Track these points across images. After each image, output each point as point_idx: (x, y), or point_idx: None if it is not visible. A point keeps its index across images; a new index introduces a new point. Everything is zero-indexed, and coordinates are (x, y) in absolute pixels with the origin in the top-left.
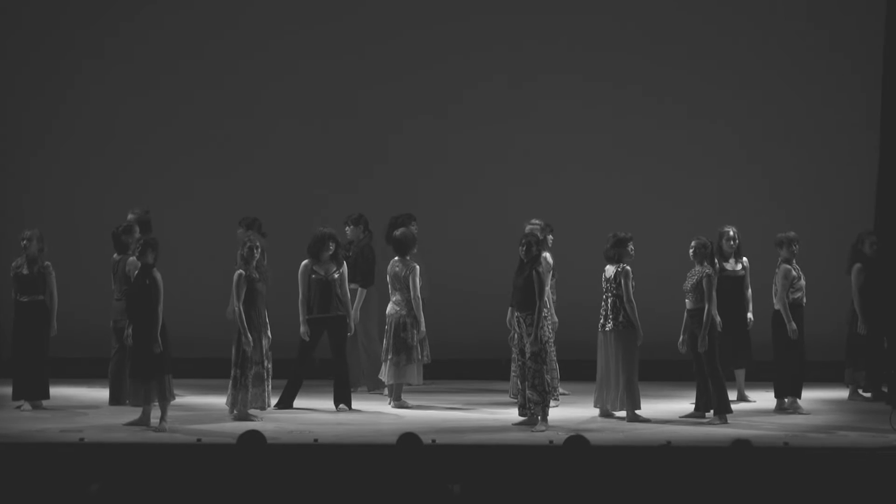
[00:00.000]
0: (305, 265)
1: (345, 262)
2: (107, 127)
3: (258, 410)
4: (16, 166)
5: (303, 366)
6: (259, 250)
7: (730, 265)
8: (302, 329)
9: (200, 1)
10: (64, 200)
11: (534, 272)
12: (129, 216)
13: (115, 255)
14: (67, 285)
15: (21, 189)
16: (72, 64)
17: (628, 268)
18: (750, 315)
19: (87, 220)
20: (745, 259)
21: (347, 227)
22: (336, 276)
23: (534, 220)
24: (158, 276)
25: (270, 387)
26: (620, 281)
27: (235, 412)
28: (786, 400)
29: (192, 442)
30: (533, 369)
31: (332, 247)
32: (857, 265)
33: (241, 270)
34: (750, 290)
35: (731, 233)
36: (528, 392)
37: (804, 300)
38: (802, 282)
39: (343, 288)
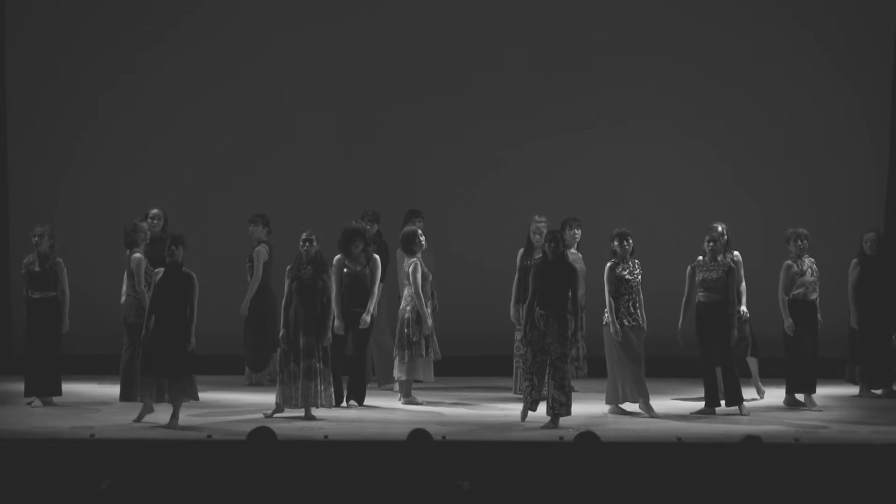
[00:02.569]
0: (338, 259)
1: (375, 257)
2: (117, 125)
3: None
4: (26, 164)
5: (337, 361)
6: (304, 244)
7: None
8: (336, 323)
9: (217, 6)
10: (75, 197)
11: (574, 271)
12: (154, 211)
13: (127, 252)
14: (79, 282)
15: (32, 186)
16: (82, 66)
17: (608, 264)
18: (744, 308)
19: (99, 216)
20: (736, 253)
21: (368, 226)
22: (367, 270)
23: (537, 218)
24: (192, 273)
25: (318, 385)
26: None
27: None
28: (796, 396)
29: (202, 438)
30: (563, 370)
31: (359, 244)
32: (854, 261)
33: (289, 266)
34: (744, 284)
35: (721, 229)
36: (554, 392)
37: (812, 296)
38: (808, 278)
39: (373, 281)
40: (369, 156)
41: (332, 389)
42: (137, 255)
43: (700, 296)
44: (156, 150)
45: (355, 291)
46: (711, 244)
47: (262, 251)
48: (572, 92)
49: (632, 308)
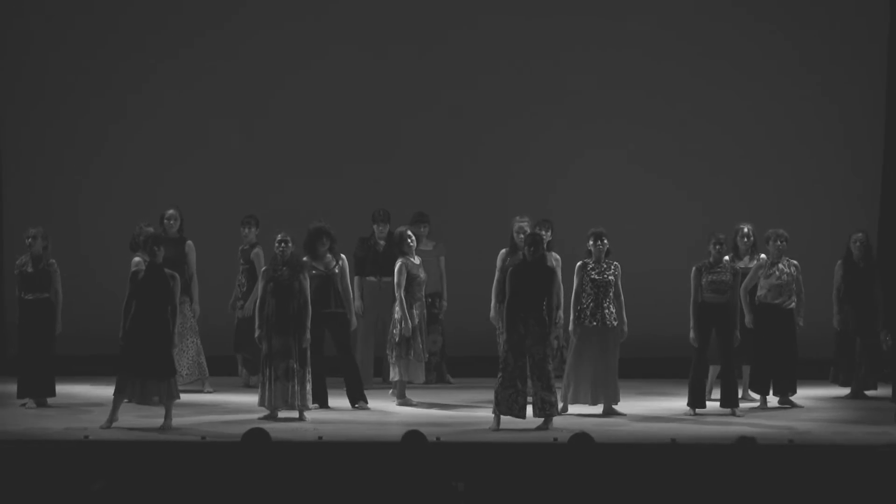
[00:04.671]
0: (304, 262)
1: (343, 256)
2: (111, 126)
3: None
4: (21, 164)
5: (318, 361)
6: (279, 245)
7: (744, 263)
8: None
9: (212, 6)
10: (69, 198)
11: (553, 273)
12: (171, 211)
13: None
14: (72, 283)
15: (26, 187)
16: (75, 66)
17: (578, 263)
18: None
19: (92, 217)
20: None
21: (379, 225)
22: (336, 270)
23: (519, 218)
24: (176, 273)
25: (295, 386)
26: None
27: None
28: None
29: (196, 440)
30: (546, 370)
31: (326, 242)
32: (839, 262)
33: (264, 267)
34: None
35: (746, 230)
36: (542, 393)
37: (778, 300)
38: (774, 280)
39: (344, 282)
40: (368, 158)
41: (308, 389)
42: (136, 258)
43: (707, 297)
44: (150, 150)
45: (325, 293)
46: (718, 247)
47: (261, 253)
48: (569, 93)
49: (595, 309)
